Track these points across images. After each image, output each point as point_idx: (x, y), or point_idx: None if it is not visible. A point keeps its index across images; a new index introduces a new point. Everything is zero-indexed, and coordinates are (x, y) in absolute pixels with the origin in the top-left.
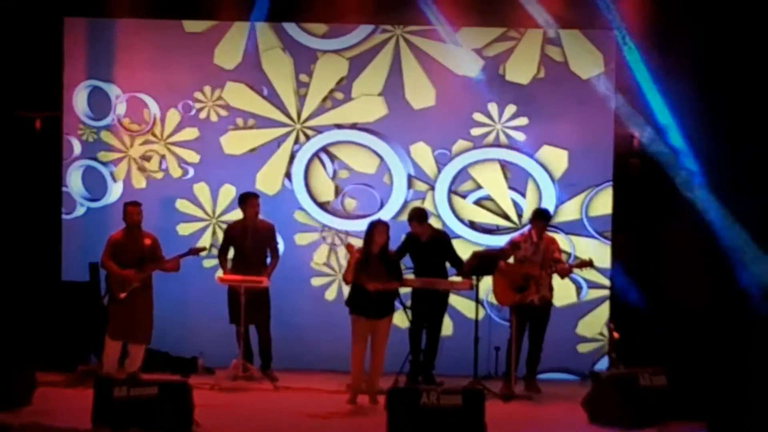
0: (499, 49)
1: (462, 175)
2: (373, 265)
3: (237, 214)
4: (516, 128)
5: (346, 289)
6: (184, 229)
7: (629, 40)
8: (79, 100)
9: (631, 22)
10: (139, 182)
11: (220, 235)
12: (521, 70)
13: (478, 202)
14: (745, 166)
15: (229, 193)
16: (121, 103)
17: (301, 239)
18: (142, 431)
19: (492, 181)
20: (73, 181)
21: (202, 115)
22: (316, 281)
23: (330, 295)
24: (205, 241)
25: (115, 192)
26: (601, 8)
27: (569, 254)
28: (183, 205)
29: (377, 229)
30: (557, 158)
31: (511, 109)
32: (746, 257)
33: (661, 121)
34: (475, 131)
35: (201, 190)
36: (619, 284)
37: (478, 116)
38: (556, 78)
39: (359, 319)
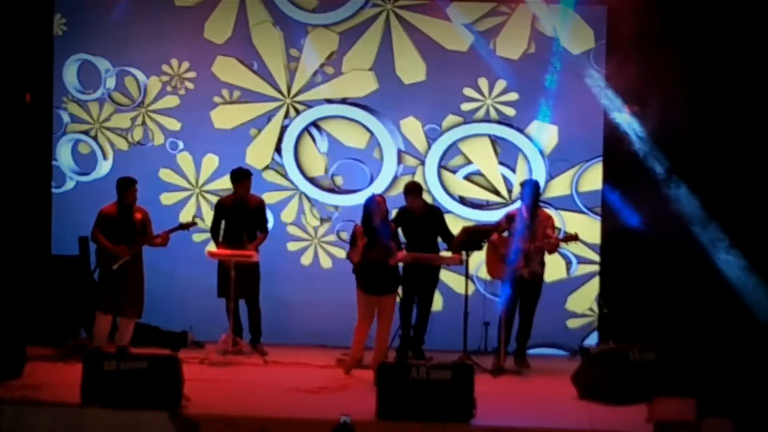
0: (490, 24)
1: (452, 149)
2: (376, 239)
3: (222, 183)
4: (506, 103)
5: (322, 255)
6: (168, 198)
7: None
8: (68, 73)
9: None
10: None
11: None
12: (512, 45)
13: (468, 177)
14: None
15: (212, 162)
16: (111, 77)
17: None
18: (132, 405)
19: (482, 156)
20: (63, 155)
21: (174, 88)
22: (292, 246)
23: (306, 260)
24: (188, 211)
25: (104, 166)
26: None
27: (559, 230)
28: (166, 174)
29: (375, 203)
30: (547, 133)
31: (501, 84)
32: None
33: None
34: (466, 106)
35: (184, 159)
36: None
37: (468, 91)
38: (546, 53)
39: (366, 295)
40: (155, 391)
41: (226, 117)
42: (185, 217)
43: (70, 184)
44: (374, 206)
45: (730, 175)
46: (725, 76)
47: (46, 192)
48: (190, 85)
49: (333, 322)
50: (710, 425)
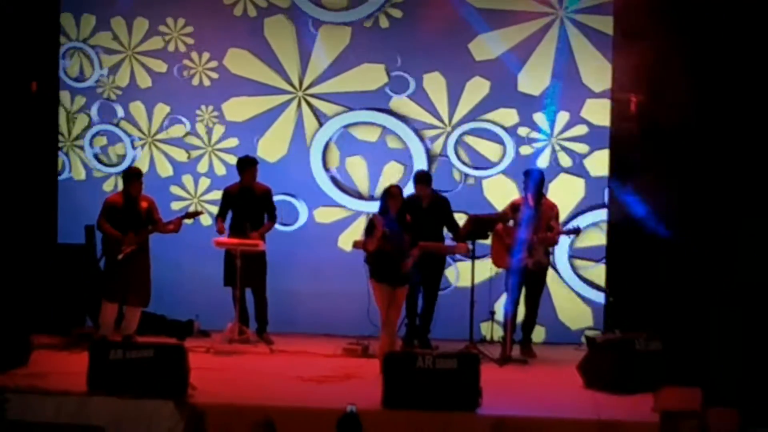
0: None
1: (461, 141)
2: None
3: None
4: None
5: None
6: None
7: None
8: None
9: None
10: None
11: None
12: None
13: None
14: None
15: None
16: (114, 66)
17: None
18: (138, 394)
19: (491, 147)
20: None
21: (195, 81)
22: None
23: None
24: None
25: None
26: None
27: (565, 221)
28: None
29: (391, 194)
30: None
31: None
32: None
33: None
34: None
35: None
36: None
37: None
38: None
39: (381, 286)
40: (161, 379)
41: (238, 109)
42: None
43: (76, 173)
44: (390, 197)
45: (738, 167)
46: (733, 65)
47: (52, 180)
48: (214, 75)
49: (339, 312)
50: (715, 415)
